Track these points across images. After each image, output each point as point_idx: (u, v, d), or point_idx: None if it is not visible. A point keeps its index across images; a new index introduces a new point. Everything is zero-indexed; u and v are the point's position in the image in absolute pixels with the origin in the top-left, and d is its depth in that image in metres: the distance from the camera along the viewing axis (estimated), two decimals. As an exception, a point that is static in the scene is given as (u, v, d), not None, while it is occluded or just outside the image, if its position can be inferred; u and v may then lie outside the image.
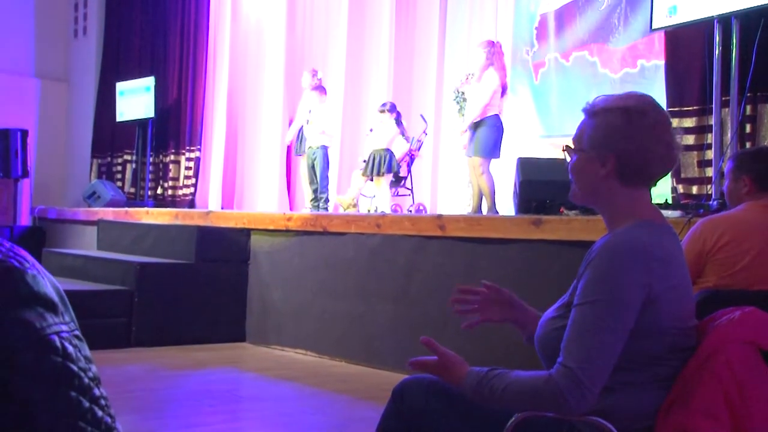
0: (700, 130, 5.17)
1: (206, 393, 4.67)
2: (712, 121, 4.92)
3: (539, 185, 5.47)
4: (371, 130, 8.39)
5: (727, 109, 4.90)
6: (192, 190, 9.47)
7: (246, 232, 6.56)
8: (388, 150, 8.05)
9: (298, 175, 9.17)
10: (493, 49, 6.93)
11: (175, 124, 9.75)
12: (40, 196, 10.73)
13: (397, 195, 8.55)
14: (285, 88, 9.44)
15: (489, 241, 4.89)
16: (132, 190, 10.20)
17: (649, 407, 1.70)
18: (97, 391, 0.99)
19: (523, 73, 8.35)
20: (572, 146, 1.84)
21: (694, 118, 5.21)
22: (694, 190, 5.17)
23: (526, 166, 5.76)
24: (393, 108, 8.24)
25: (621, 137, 1.73)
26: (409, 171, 8.52)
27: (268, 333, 6.31)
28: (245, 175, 9.68)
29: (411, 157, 8.56)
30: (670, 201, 5.06)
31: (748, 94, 4.81)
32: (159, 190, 9.93)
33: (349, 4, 9.40)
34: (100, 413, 0.98)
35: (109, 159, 10.70)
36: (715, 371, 1.66)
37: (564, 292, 1.80)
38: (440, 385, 1.86)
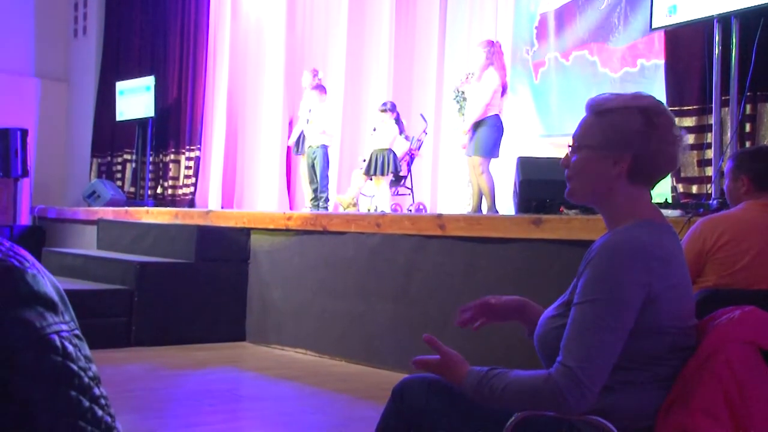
0: (700, 129, 5.17)
1: (206, 392, 4.67)
2: (712, 120, 4.93)
3: (539, 185, 5.47)
4: (375, 130, 8.39)
5: (726, 109, 4.90)
6: (192, 189, 9.48)
7: (246, 232, 6.56)
8: (390, 150, 8.06)
9: (298, 175, 9.17)
10: (493, 48, 6.93)
11: (175, 124, 9.75)
12: (40, 196, 10.73)
13: (397, 194, 8.55)
14: (285, 87, 9.44)
15: (489, 240, 4.89)
16: (132, 189, 10.20)
17: (649, 407, 1.70)
18: (97, 391, 0.99)
19: (523, 72, 8.35)
20: (572, 144, 1.82)
21: (693, 118, 5.21)
22: (694, 189, 5.17)
23: (526, 165, 5.76)
24: (393, 107, 8.25)
25: (640, 138, 1.73)
26: (409, 170, 8.52)
27: (268, 332, 6.31)
28: (245, 174, 9.69)
29: (411, 157, 8.56)
30: (669, 200, 5.06)
31: (748, 94, 4.81)
32: (159, 190, 9.93)
33: (349, 3, 9.40)
34: (100, 412, 0.98)
35: (109, 158, 10.70)
36: (715, 371, 1.66)
37: (564, 292, 1.79)
38: (440, 385, 1.86)
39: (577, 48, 7.86)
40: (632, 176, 1.76)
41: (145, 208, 8.57)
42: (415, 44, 9.60)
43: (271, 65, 9.55)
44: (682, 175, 5.20)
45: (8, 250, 1.00)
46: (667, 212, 4.06)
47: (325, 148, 8.30)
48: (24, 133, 9.95)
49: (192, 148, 9.53)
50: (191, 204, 9.33)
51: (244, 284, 6.50)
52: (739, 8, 4.68)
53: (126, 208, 8.79)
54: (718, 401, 1.64)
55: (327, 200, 8.24)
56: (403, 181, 8.49)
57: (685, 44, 5.35)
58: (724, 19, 4.79)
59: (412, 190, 8.54)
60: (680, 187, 5.25)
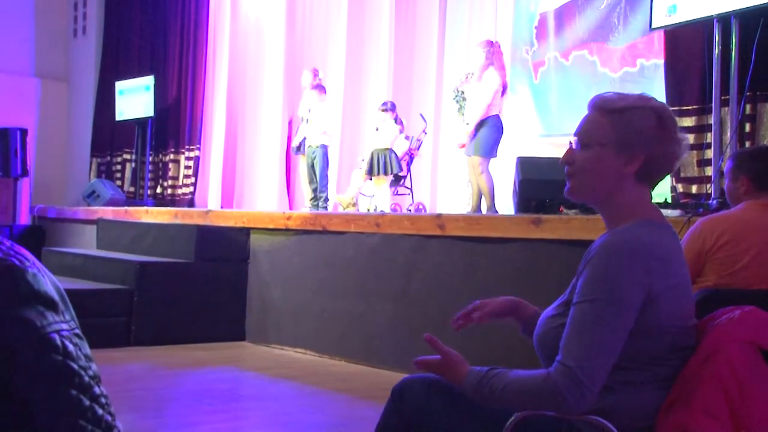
0: (700, 129, 5.17)
1: (206, 392, 4.67)
2: (712, 120, 4.93)
3: (539, 184, 5.47)
4: (377, 129, 8.39)
5: (726, 108, 4.90)
6: (191, 189, 9.47)
7: (245, 231, 6.56)
8: (391, 150, 8.06)
9: (297, 174, 9.17)
10: (492, 48, 6.93)
11: (175, 123, 9.75)
12: (40, 195, 10.73)
13: (397, 194, 8.55)
14: (285, 87, 9.44)
15: (488, 240, 4.89)
16: (131, 189, 10.20)
17: (649, 406, 1.70)
18: (97, 390, 0.99)
19: (522, 72, 8.35)
20: (578, 141, 1.80)
21: (693, 117, 5.21)
22: (694, 189, 5.17)
23: (525, 165, 5.76)
24: (393, 107, 8.26)
25: (654, 138, 1.74)
26: (409, 170, 8.52)
27: (267, 332, 6.31)
28: (245, 174, 9.68)
29: (410, 156, 8.57)
30: (669, 200, 5.06)
31: (748, 93, 4.81)
32: (158, 189, 9.93)
33: (349, 3, 9.41)
34: (100, 411, 0.98)
35: (108, 158, 10.70)
36: (715, 370, 1.66)
37: (563, 291, 1.79)
38: (440, 384, 1.86)
39: (577, 48, 7.86)
40: (640, 176, 1.76)
41: (145, 207, 8.57)
42: (415, 44, 9.60)
43: (270, 65, 9.54)
44: (682, 175, 5.20)
45: (9, 249, 1.00)
46: (666, 212, 4.06)
47: (324, 147, 8.29)
48: (24, 132, 9.95)
49: (191, 147, 9.52)
50: (191, 204, 9.33)
51: (243, 284, 6.50)
52: (738, 8, 4.68)
53: (126, 207, 8.79)
54: (719, 401, 1.64)
55: (326, 200, 8.24)
56: (402, 181, 8.50)
57: (684, 44, 5.35)
58: (724, 19, 4.79)
59: (411, 190, 8.54)
60: (680, 187, 5.25)
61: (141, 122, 9.81)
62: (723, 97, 4.88)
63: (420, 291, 5.27)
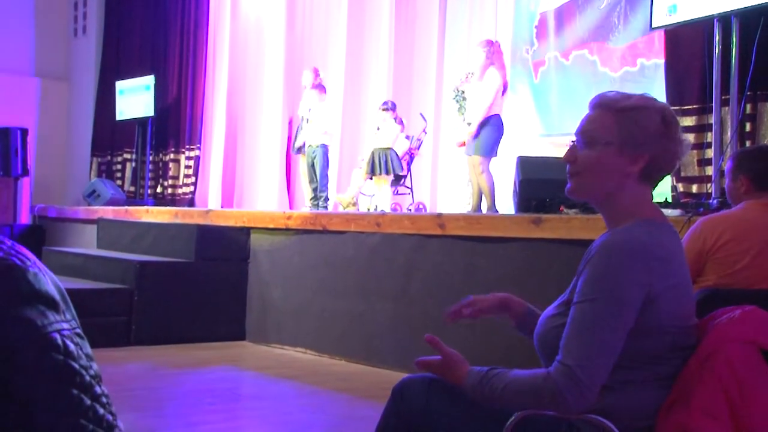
0: (700, 128, 5.17)
1: (206, 391, 4.67)
2: (712, 119, 4.93)
3: (539, 184, 5.47)
4: (378, 129, 8.38)
5: (727, 108, 4.90)
6: (192, 188, 9.47)
7: (246, 231, 6.56)
8: (392, 149, 8.06)
9: (297, 174, 9.17)
10: (493, 48, 6.93)
11: (175, 123, 9.75)
12: (40, 195, 10.73)
13: (397, 194, 8.55)
14: (285, 86, 9.44)
15: (489, 239, 4.89)
16: (132, 188, 10.20)
17: (650, 406, 1.70)
18: (98, 389, 0.99)
19: (522, 71, 8.35)
20: (581, 139, 1.80)
21: (694, 117, 5.21)
22: (694, 188, 5.17)
23: (525, 164, 5.76)
24: (394, 106, 8.26)
25: (658, 138, 1.74)
26: (409, 170, 8.52)
27: (267, 331, 6.31)
28: (245, 173, 9.68)
29: (411, 156, 8.57)
30: (670, 200, 5.06)
31: (748, 93, 4.81)
32: (159, 189, 9.93)
33: (349, 2, 9.41)
34: (101, 411, 0.98)
35: (108, 158, 10.70)
36: (715, 370, 1.66)
37: (564, 291, 1.79)
38: (440, 384, 1.86)
39: (577, 47, 7.86)
40: (642, 176, 1.76)
41: (145, 207, 8.57)
42: (415, 44, 9.60)
43: (270, 64, 9.55)
44: (682, 174, 5.20)
45: (9, 249, 1.00)
46: (667, 212, 4.05)
47: (325, 147, 8.29)
48: (24, 132, 9.95)
49: (192, 147, 9.52)
50: (191, 203, 9.33)
51: (243, 283, 6.50)
52: (739, 7, 4.68)
53: (126, 207, 8.79)
54: (719, 401, 1.64)
55: (327, 199, 8.24)
56: (402, 180, 8.50)
57: (685, 43, 5.35)
58: (724, 19, 4.79)
59: (411, 189, 8.54)
60: (680, 187, 5.25)
61: (141, 122, 9.81)
62: (723, 97, 4.88)
63: (420, 290, 5.27)
